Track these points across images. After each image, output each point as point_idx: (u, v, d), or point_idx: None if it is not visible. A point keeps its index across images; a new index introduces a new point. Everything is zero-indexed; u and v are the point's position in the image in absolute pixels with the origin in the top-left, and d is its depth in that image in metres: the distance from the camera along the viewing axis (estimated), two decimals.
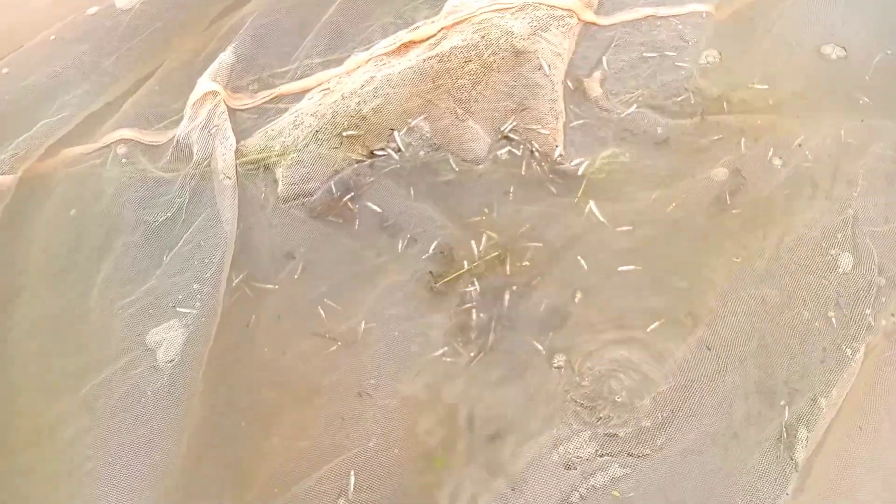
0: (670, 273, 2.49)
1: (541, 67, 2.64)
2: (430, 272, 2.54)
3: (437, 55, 2.58)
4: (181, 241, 2.73)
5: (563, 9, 2.75)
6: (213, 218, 2.74)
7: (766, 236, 2.52)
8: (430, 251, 2.57)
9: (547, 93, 2.65)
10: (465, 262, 2.55)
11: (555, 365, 2.38)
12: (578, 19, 2.89)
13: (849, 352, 2.31)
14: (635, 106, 2.76)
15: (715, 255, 2.51)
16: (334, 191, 2.69)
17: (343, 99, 2.59)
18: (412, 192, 2.70)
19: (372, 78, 2.59)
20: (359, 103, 2.57)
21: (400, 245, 2.63)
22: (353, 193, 2.72)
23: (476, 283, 2.52)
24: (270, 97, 2.85)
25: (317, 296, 2.53)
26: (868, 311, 2.39)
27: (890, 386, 2.29)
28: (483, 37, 2.59)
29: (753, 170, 2.66)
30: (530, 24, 2.66)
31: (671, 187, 2.69)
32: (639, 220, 2.60)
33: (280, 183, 2.64)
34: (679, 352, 2.35)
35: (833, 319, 2.39)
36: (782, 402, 2.26)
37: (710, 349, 2.34)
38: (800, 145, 2.64)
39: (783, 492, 2.16)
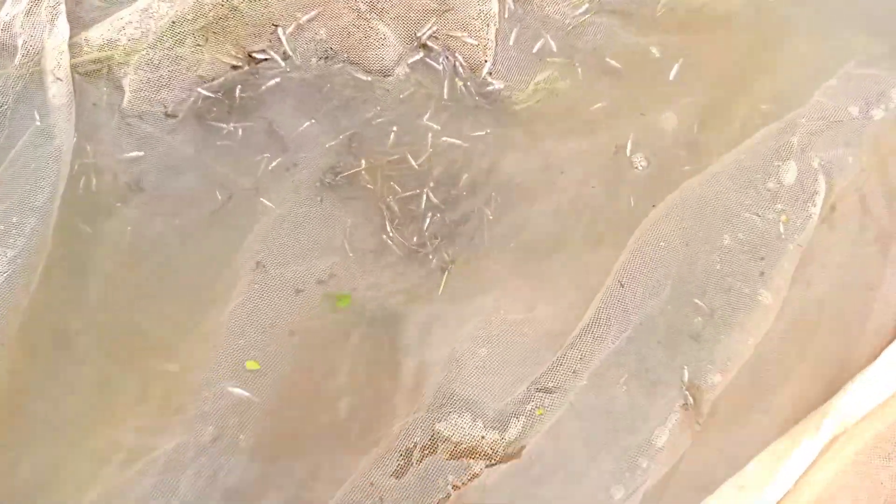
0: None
1: None
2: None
3: None
4: (3, 161, 2.09)
5: None
6: (44, 133, 2.09)
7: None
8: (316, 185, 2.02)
9: None
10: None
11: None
12: None
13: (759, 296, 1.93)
14: (587, 6, 2.20)
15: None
16: (198, 104, 2.07)
17: None
18: (301, 110, 2.11)
19: None
20: None
21: (286, 178, 2.06)
22: (221, 109, 2.10)
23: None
24: None
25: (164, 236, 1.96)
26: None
27: None
28: None
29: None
30: None
31: (610, 129, 2.18)
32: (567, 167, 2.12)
33: (126, 91, 2.01)
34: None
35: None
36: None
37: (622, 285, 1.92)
38: None
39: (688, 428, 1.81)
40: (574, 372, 1.88)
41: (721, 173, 2.08)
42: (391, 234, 2.01)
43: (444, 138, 2.10)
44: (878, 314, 2.02)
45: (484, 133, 2.14)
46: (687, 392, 1.84)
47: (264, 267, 1.95)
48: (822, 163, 2.08)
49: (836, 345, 2.00)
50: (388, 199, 2.06)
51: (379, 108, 2.14)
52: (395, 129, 2.14)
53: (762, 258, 1.98)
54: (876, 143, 2.18)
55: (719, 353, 1.91)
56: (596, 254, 2.09)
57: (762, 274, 1.99)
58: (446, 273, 2.00)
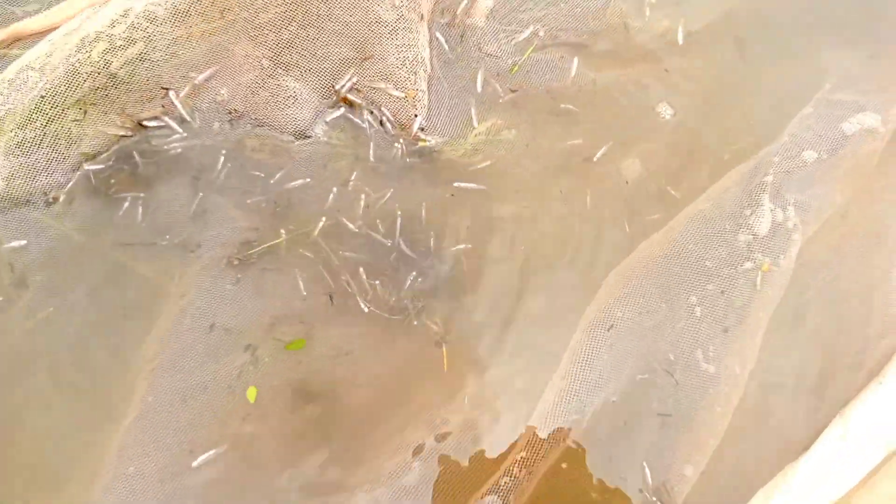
0: None
1: None
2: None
3: None
4: None
5: None
6: None
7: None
8: (223, 265, 1.75)
9: (399, 35, 1.75)
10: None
11: None
12: None
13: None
14: (532, 40, 1.90)
15: None
16: (88, 182, 1.79)
17: (83, 46, 1.63)
18: (204, 184, 1.82)
19: (127, 11, 1.62)
20: (105, 52, 1.62)
21: (190, 262, 1.78)
22: (115, 185, 1.81)
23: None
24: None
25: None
26: None
27: None
28: None
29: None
30: None
31: (565, 179, 1.90)
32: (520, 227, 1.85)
33: None
34: None
35: None
36: None
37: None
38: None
39: None
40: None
41: (686, 229, 1.81)
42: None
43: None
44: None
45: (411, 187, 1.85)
46: (654, 498, 1.61)
47: (164, 371, 1.69)
48: (797, 202, 1.81)
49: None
50: (334, 267, 1.79)
51: (298, 171, 1.84)
52: (315, 190, 1.84)
53: (725, 329, 1.73)
54: (853, 175, 1.90)
55: (685, 443, 1.66)
56: (557, 328, 1.83)
57: (726, 330, 1.74)
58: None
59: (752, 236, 1.77)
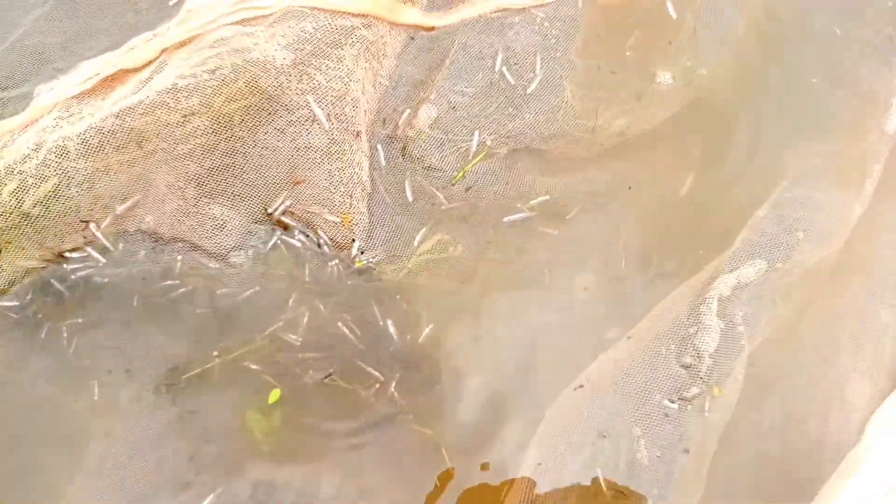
0: None
1: (315, 119, 1.63)
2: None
3: (138, 104, 1.53)
4: None
5: (354, 14, 1.69)
6: None
7: None
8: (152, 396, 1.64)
9: (332, 158, 1.65)
10: None
11: None
12: (389, 24, 1.84)
13: None
14: (475, 140, 1.81)
15: None
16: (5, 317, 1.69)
17: None
18: (131, 313, 1.71)
19: (38, 146, 1.52)
20: (16, 191, 1.51)
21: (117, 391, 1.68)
22: (31, 319, 1.71)
23: None
24: None
25: None
26: None
27: None
28: (214, 71, 1.54)
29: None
30: (296, 47, 1.63)
31: (523, 289, 1.80)
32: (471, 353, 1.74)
33: None
34: None
35: None
36: None
37: None
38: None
39: None
40: None
41: (630, 353, 1.70)
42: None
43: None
44: None
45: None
46: None
47: None
48: (746, 316, 1.70)
49: None
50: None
51: (230, 294, 1.74)
52: (249, 311, 1.73)
53: (672, 460, 1.61)
54: (806, 284, 1.79)
55: None
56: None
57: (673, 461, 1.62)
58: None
59: (697, 357, 1.66)
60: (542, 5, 2.03)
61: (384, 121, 1.87)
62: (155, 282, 1.76)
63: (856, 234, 1.77)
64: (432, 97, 1.89)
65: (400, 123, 1.86)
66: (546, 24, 2.01)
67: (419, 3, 1.98)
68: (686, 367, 1.65)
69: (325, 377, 1.69)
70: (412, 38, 1.96)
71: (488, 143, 1.89)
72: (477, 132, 1.88)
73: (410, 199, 1.77)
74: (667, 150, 2.01)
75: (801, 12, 2.13)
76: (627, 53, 2.08)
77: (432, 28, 1.98)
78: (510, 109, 1.92)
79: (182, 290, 1.75)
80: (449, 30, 2.00)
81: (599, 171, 1.94)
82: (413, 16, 1.94)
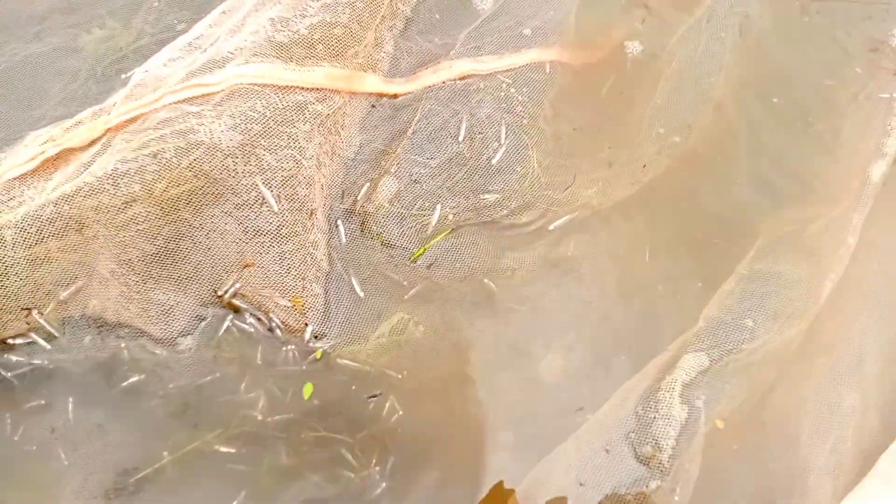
0: None
1: (263, 201, 1.56)
2: None
3: (78, 190, 1.46)
4: None
5: (307, 89, 1.63)
6: None
7: None
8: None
9: (283, 241, 1.58)
10: None
11: None
12: (349, 94, 1.77)
13: None
14: (437, 215, 1.74)
15: None
16: None
17: None
18: (77, 401, 1.64)
19: None
20: None
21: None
22: None
23: None
24: None
25: None
26: None
27: None
28: (156, 155, 1.48)
29: None
30: (244, 128, 1.56)
31: (491, 374, 1.72)
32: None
33: None
34: None
35: None
36: None
37: None
38: None
39: None
40: None
41: (582, 445, 1.62)
42: None
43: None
44: None
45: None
46: None
47: None
48: (708, 399, 1.62)
49: None
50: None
51: (179, 381, 1.66)
52: (200, 399, 1.65)
53: None
54: (770, 364, 1.71)
55: None
56: None
57: None
58: None
59: (656, 447, 1.58)
60: (508, 70, 1.96)
61: (343, 195, 1.81)
62: (101, 370, 1.68)
63: (823, 309, 1.70)
64: (393, 169, 1.82)
65: (359, 198, 1.79)
66: (512, 90, 1.94)
67: (381, 69, 1.91)
68: (645, 458, 1.57)
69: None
70: (374, 106, 1.90)
71: (451, 216, 1.82)
72: (439, 206, 1.81)
73: (361, 295, 1.69)
74: (637, 220, 1.93)
75: (778, 74, 2.06)
76: (598, 120, 2.01)
77: (395, 95, 1.92)
78: (475, 181, 1.85)
79: (130, 379, 1.68)
80: (413, 97, 1.93)
81: (567, 244, 1.86)
82: (374, 84, 1.88)
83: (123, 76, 1.83)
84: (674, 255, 1.88)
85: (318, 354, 1.67)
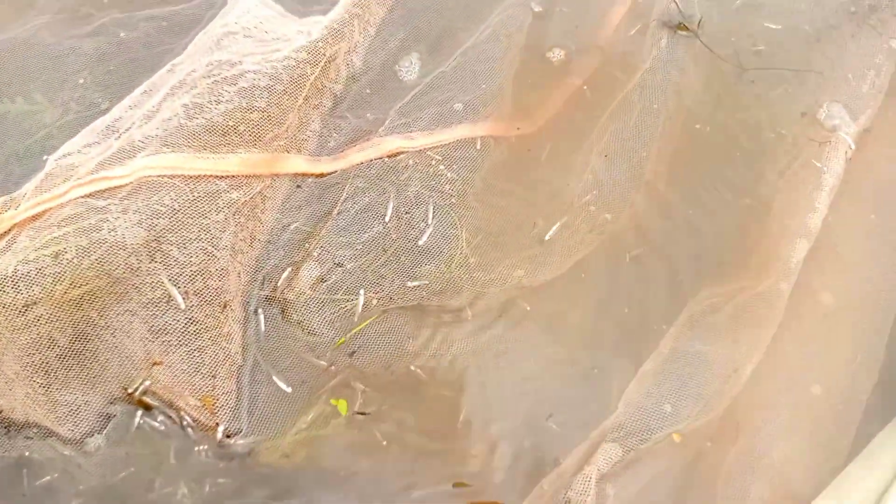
0: None
1: (170, 298, 1.50)
2: None
3: None
4: None
5: (222, 177, 1.58)
6: None
7: None
8: None
9: (191, 339, 1.52)
10: None
11: None
12: (271, 177, 1.73)
13: None
14: (362, 300, 1.69)
15: None
16: None
17: None
18: None
19: None
20: None
21: None
22: None
23: None
24: None
25: None
26: None
27: None
28: (58, 255, 1.42)
29: None
30: (150, 223, 1.52)
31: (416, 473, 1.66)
32: None
33: None
34: None
35: None
36: None
37: None
38: None
39: None
40: None
41: None
42: None
43: None
44: None
45: None
46: None
47: None
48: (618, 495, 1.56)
49: None
50: None
51: (85, 483, 1.59)
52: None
53: None
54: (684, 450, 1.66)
55: None
56: None
57: None
58: None
59: None
60: (437, 147, 1.93)
61: (263, 281, 1.76)
62: (12, 470, 1.62)
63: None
64: (316, 253, 1.78)
65: (279, 285, 1.74)
66: (442, 167, 1.91)
67: (307, 149, 1.87)
68: None
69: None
70: (299, 187, 1.86)
71: (375, 301, 1.77)
72: (363, 291, 1.76)
73: (282, 387, 1.64)
74: (567, 299, 1.89)
75: (710, 145, 2.03)
76: (532, 194, 1.98)
77: (322, 175, 1.88)
78: (402, 263, 1.81)
79: (43, 479, 1.61)
80: (340, 175, 1.89)
81: (497, 327, 1.81)
82: (298, 165, 1.84)
83: (45, 157, 1.78)
84: (603, 333, 1.84)
85: (229, 447, 1.61)
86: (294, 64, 1.79)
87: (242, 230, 1.71)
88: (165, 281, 1.53)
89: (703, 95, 2.05)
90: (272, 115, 1.75)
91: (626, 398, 1.65)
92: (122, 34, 2.08)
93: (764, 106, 2.02)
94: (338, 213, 1.82)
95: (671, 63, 2.01)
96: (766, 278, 1.76)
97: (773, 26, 2.08)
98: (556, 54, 2.14)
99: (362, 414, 1.63)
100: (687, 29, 1.97)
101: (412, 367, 1.77)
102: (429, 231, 1.83)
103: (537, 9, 2.17)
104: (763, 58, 2.06)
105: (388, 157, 1.91)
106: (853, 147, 1.84)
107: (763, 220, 1.88)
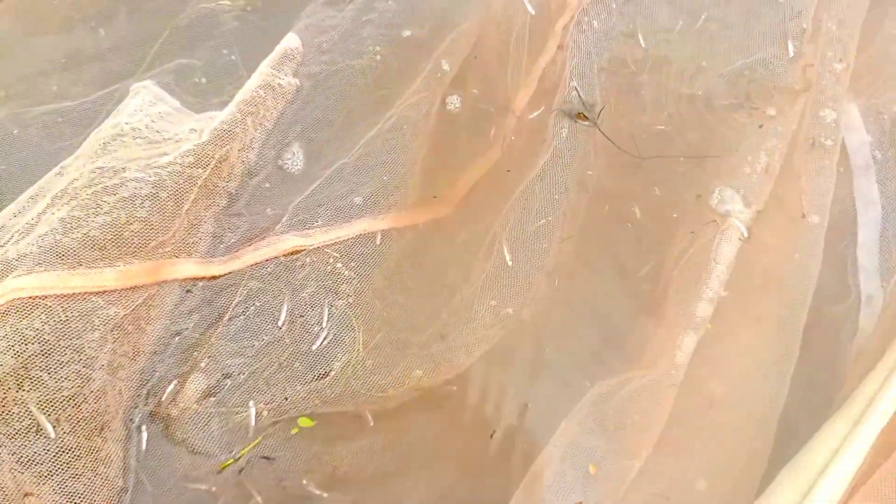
0: None
1: (39, 427, 1.44)
2: None
3: None
4: None
5: (99, 293, 1.53)
6: None
7: None
8: None
9: (63, 468, 1.46)
10: None
11: None
12: (157, 285, 1.68)
13: None
14: (252, 411, 1.66)
15: None
16: None
17: None
18: None
19: None
20: None
21: None
22: None
23: None
24: None
25: None
26: None
27: None
28: None
29: None
30: (18, 350, 1.48)
31: None
32: None
33: None
34: None
35: None
36: None
37: None
38: None
39: None
40: None
41: None
42: None
43: None
44: None
45: None
46: None
47: None
48: None
49: None
50: None
51: None
52: None
53: None
54: None
55: None
56: None
57: None
58: None
59: None
60: (335, 244, 1.90)
61: (148, 395, 1.70)
62: None
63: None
64: (203, 364, 1.73)
65: (163, 399, 1.68)
66: (339, 264, 1.88)
67: (198, 251, 1.83)
68: None
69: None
70: (189, 291, 1.81)
71: (266, 412, 1.72)
72: (252, 404, 1.71)
73: None
74: (468, 398, 1.85)
75: (604, 234, 2.03)
76: (435, 287, 1.95)
77: (214, 277, 1.83)
78: (295, 370, 1.76)
79: None
80: (234, 277, 1.84)
81: (396, 434, 1.77)
82: (187, 269, 1.79)
83: None
84: (503, 429, 1.81)
85: None
86: (180, 170, 1.75)
87: (123, 345, 1.66)
88: (34, 410, 1.47)
89: (605, 183, 2.05)
90: (155, 224, 1.71)
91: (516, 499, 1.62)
92: (15, 131, 2.03)
93: (663, 192, 2.02)
94: (229, 319, 1.78)
95: (572, 153, 2.01)
96: (655, 369, 1.75)
97: (673, 109, 2.09)
98: (452, 102, 2.12)
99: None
100: (587, 119, 1.97)
101: (304, 482, 1.72)
102: (324, 335, 1.78)
103: (451, 103, 2.16)
104: (662, 140, 2.07)
105: (285, 256, 1.87)
106: (745, 232, 1.84)
107: (658, 309, 1.87)
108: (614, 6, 2.08)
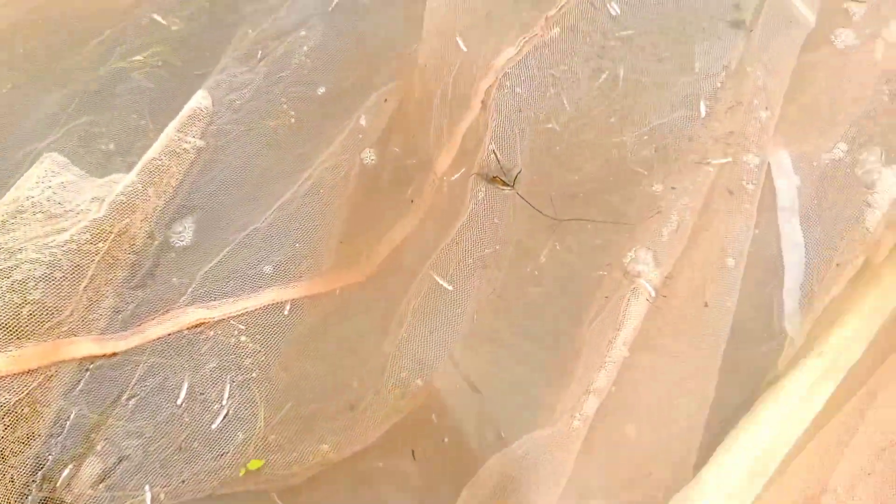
0: None
1: None
2: None
3: None
4: None
5: None
6: None
7: None
8: None
9: None
10: None
11: None
12: (51, 367, 1.65)
13: None
14: (147, 494, 1.67)
15: None
16: None
17: None
18: None
19: None
20: None
21: None
22: None
23: None
24: None
25: None
26: None
27: None
28: None
29: None
30: None
31: None
32: None
33: None
34: None
35: None
36: None
37: None
38: None
39: None
40: None
41: None
42: None
43: None
44: None
45: None
46: None
47: None
48: None
49: None
50: None
51: None
52: None
53: None
54: None
55: None
56: None
57: None
58: None
59: None
60: (241, 315, 1.86)
61: (42, 481, 1.66)
62: None
63: None
64: (99, 446, 1.70)
65: (58, 485, 1.65)
66: (244, 337, 1.85)
67: (97, 327, 1.80)
68: None
69: None
70: (88, 370, 1.77)
71: (163, 496, 1.69)
72: (148, 488, 1.67)
73: None
74: (381, 466, 1.83)
75: (531, 304, 2.00)
76: (345, 356, 1.92)
77: (114, 354, 1.80)
78: (194, 450, 1.73)
79: None
80: (134, 352, 1.81)
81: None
82: (85, 348, 1.76)
83: None
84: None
85: None
86: (76, 247, 1.72)
87: (16, 430, 1.63)
88: None
89: (524, 245, 2.02)
90: (50, 305, 1.68)
91: None
92: None
93: (581, 253, 1.99)
94: (127, 398, 1.74)
95: (489, 216, 1.97)
96: (555, 427, 1.73)
97: (592, 170, 2.06)
98: (368, 156, 2.09)
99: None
100: (504, 183, 1.93)
101: None
102: (223, 412, 1.75)
103: (368, 161, 2.13)
104: (581, 202, 2.03)
105: (189, 329, 1.84)
106: (652, 293, 1.81)
107: (570, 372, 1.85)
108: (537, 70, 2.04)
